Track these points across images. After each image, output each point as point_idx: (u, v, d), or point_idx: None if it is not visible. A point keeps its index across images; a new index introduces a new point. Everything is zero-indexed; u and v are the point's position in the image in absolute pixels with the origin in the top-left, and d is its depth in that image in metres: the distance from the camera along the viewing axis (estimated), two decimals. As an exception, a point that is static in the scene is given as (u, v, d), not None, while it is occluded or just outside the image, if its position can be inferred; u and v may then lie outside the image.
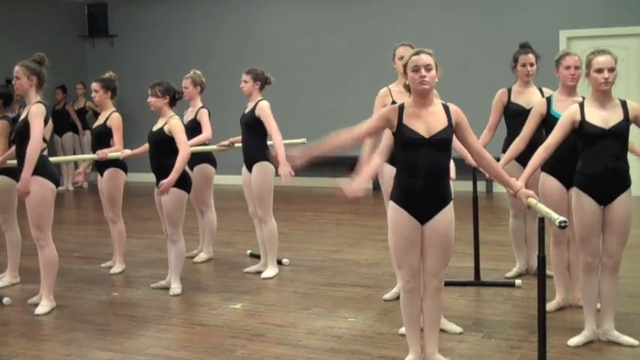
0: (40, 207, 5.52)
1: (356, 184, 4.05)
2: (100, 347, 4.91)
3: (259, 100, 6.36)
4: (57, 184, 5.63)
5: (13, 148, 6.03)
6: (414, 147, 3.92)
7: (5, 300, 5.86)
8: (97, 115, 12.82)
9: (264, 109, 6.30)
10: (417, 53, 3.97)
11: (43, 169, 5.53)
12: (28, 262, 6.27)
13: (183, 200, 6.01)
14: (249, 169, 6.43)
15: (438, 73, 3.97)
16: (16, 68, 5.48)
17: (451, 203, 4.05)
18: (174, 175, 5.79)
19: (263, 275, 6.45)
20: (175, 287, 6.04)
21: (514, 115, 5.80)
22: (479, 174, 5.79)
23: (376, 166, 4.77)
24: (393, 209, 4.03)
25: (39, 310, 5.60)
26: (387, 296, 5.63)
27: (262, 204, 6.40)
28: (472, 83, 10.31)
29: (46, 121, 5.50)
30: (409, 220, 3.97)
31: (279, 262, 6.79)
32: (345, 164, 12.05)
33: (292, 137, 7.27)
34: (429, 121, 3.95)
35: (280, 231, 6.79)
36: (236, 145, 6.86)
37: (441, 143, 3.94)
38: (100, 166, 6.63)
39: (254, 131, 6.38)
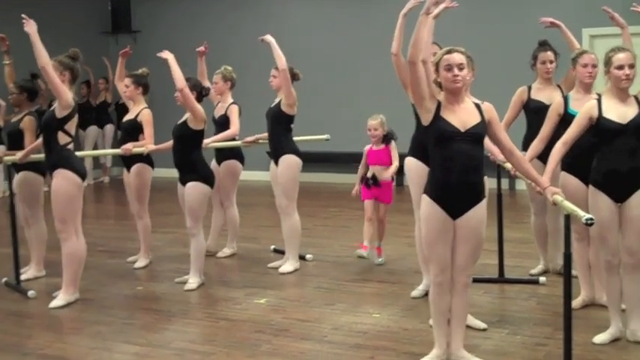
0: (64, 200, 5.56)
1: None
2: (126, 341, 4.94)
3: None
4: (83, 178, 5.66)
5: (38, 141, 6.10)
6: (449, 140, 3.93)
7: (30, 293, 5.91)
8: (118, 109, 13.04)
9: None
10: (449, 52, 3.97)
11: (68, 163, 5.58)
12: (54, 255, 6.31)
13: (206, 195, 6.03)
14: (276, 162, 6.47)
15: (474, 71, 3.98)
16: (51, 62, 5.53)
17: (484, 200, 4.05)
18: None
19: (281, 270, 6.46)
20: (191, 282, 6.03)
21: (535, 112, 5.77)
22: (503, 171, 5.78)
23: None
24: (426, 203, 4.03)
25: (53, 303, 5.63)
26: (414, 293, 5.61)
27: (287, 197, 6.43)
28: (492, 81, 10.23)
29: (73, 116, 5.55)
30: (441, 215, 3.98)
31: (303, 258, 6.80)
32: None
33: (316, 133, 7.28)
34: (463, 116, 3.96)
35: (304, 226, 6.80)
36: (260, 141, 6.89)
37: (476, 137, 3.96)
38: (128, 161, 6.68)
39: (280, 125, 6.41)
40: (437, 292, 4.10)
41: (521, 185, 10.13)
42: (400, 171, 11.61)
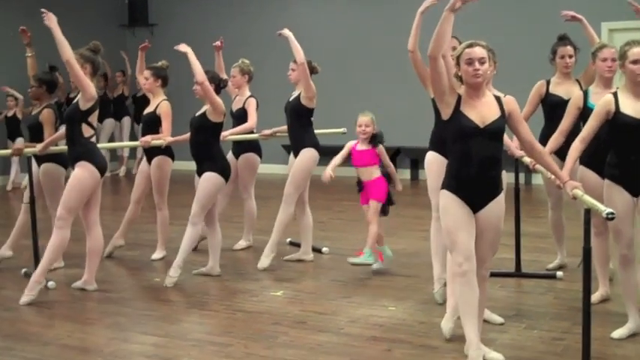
0: (78, 191, 5.60)
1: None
2: (144, 331, 4.99)
3: None
4: (102, 173, 5.70)
5: (58, 133, 6.15)
6: (468, 136, 3.93)
7: (50, 284, 5.96)
8: (136, 102, 13.11)
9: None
10: (470, 45, 3.96)
11: (92, 156, 5.63)
12: (73, 247, 6.35)
13: (219, 187, 6.04)
14: (296, 155, 6.50)
15: (496, 64, 3.97)
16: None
17: (502, 194, 4.05)
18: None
19: (259, 265, 6.43)
20: (172, 276, 5.96)
21: (553, 106, 5.76)
22: (520, 165, 5.78)
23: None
24: (445, 196, 4.04)
25: (23, 299, 5.57)
26: (436, 292, 5.42)
27: (295, 186, 6.44)
28: (510, 75, 10.20)
29: (96, 109, 5.60)
30: (462, 204, 3.98)
31: (319, 251, 6.83)
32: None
33: (333, 126, 7.29)
34: (482, 111, 3.96)
35: (319, 220, 6.83)
36: (278, 134, 6.91)
37: (494, 133, 3.95)
38: (149, 153, 6.72)
39: (300, 118, 6.43)
40: (463, 282, 3.99)
41: (537, 180, 10.12)
42: (415, 165, 11.80)
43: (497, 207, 4.04)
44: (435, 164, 5.25)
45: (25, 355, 4.58)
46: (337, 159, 6.14)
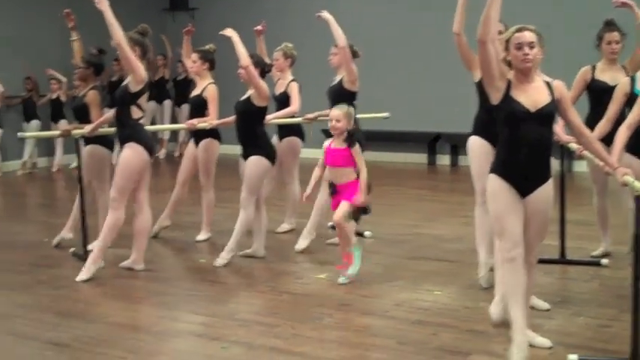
0: (128, 172, 5.71)
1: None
2: (192, 311, 5.08)
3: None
4: (151, 153, 5.80)
5: (107, 115, 6.24)
6: (519, 120, 3.91)
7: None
8: (176, 86, 13.22)
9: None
10: (520, 30, 3.94)
11: (140, 137, 5.72)
12: (122, 227, 6.45)
13: (266, 170, 6.09)
14: (336, 140, 6.51)
15: (543, 49, 3.95)
16: None
17: (551, 180, 4.04)
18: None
19: (296, 247, 6.50)
20: (223, 257, 6.04)
21: (598, 92, 5.71)
22: (566, 152, 5.75)
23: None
24: (493, 181, 4.03)
25: (80, 276, 5.73)
26: (482, 277, 5.44)
27: None
28: (556, 61, 10.10)
29: (145, 91, 5.68)
30: (510, 190, 3.97)
31: (361, 235, 6.86)
32: (422, 140, 12.09)
33: (376, 111, 7.29)
34: (533, 96, 3.94)
35: (361, 204, 6.83)
36: (321, 118, 6.93)
37: (546, 117, 3.94)
38: (196, 136, 6.80)
39: (343, 102, 6.43)
40: (510, 268, 3.98)
41: (579, 167, 10.03)
42: (455, 151, 11.76)
43: (546, 192, 4.02)
44: (478, 149, 5.25)
45: (75, 332, 4.69)
46: (317, 170, 5.64)
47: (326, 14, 6.36)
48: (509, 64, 4.01)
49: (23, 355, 4.39)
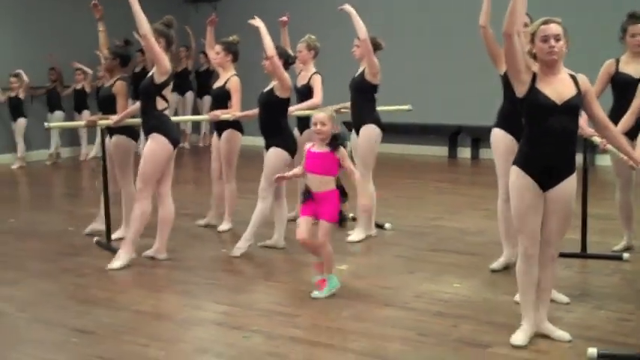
0: (152, 163, 5.77)
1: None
2: (214, 300, 5.14)
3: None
4: (175, 145, 5.86)
5: (133, 106, 6.30)
6: (545, 112, 3.92)
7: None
8: (199, 77, 13.28)
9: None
10: (546, 22, 3.95)
11: (165, 128, 5.78)
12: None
13: (284, 161, 6.10)
14: (357, 132, 6.54)
15: (568, 43, 3.95)
16: None
17: (575, 173, 4.04)
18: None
19: (349, 238, 6.51)
20: (240, 247, 6.10)
21: (622, 85, 5.69)
22: (589, 145, 5.73)
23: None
24: (516, 174, 4.04)
25: (112, 264, 5.81)
26: (494, 266, 5.58)
27: (364, 166, 6.47)
28: (579, 53, 10.05)
29: (170, 82, 5.74)
30: (533, 185, 3.99)
31: (382, 227, 6.89)
32: (443, 133, 12.07)
33: (398, 103, 7.30)
34: (559, 88, 3.94)
35: (381, 196, 6.86)
36: (343, 110, 6.95)
37: (571, 110, 3.94)
38: (219, 127, 6.85)
39: (364, 94, 6.48)
40: (527, 264, 4.08)
41: (602, 161, 9.98)
42: (476, 144, 11.74)
43: (570, 185, 4.03)
44: (502, 142, 5.26)
45: (100, 319, 4.76)
46: (299, 168, 5.30)
47: (347, 7, 6.37)
48: (534, 56, 4.01)
49: (50, 342, 4.47)
